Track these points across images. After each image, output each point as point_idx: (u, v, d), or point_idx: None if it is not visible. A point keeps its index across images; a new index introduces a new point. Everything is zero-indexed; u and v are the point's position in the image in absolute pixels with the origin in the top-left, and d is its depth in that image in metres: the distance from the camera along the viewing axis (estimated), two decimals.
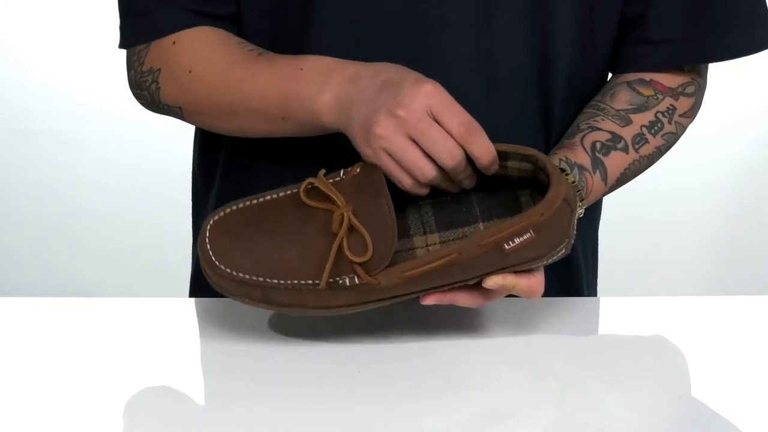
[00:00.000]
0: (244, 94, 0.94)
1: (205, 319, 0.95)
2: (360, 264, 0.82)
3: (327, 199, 0.84)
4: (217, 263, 0.84)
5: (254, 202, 0.86)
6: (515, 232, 0.83)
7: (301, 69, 0.91)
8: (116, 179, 2.56)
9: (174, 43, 0.98)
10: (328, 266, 0.82)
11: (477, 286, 0.85)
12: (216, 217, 0.85)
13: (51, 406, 0.79)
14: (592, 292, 1.12)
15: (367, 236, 0.82)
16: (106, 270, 2.56)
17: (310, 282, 0.83)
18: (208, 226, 0.85)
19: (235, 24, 1.01)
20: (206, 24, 0.98)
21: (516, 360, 0.87)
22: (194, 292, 1.13)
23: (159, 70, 0.99)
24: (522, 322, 0.93)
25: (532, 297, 0.86)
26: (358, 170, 0.85)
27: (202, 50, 0.97)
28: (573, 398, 0.82)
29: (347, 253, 0.82)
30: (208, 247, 0.85)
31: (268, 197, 0.86)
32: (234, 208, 0.86)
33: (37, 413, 0.78)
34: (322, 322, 0.90)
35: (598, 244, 1.14)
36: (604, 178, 0.96)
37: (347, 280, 0.83)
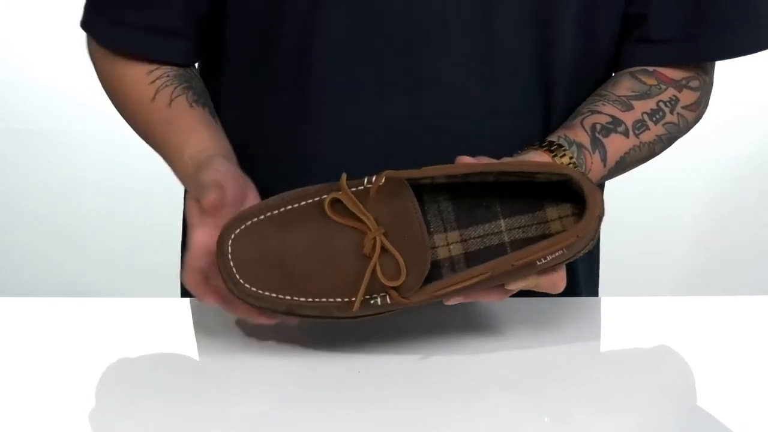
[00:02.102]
0: (143, 136, 1.03)
1: (204, 319, 0.95)
2: (393, 288, 0.81)
3: (353, 214, 0.82)
4: (241, 281, 0.81)
5: (275, 212, 0.83)
6: (549, 252, 0.82)
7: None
8: (116, 179, 2.56)
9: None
10: (362, 291, 0.80)
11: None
12: (237, 231, 0.82)
13: (50, 406, 0.79)
14: (591, 292, 1.12)
15: (401, 260, 0.80)
16: (106, 270, 2.56)
17: (339, 300, 0.81)
18: (230, 240, 0.82)
19: (185, 39, 1.02)
20: (149, 41, 1.00)
21: (516, 360, 0.87)
22: (186, 291, 1.13)
23: (95, 65, 1.06)
24: (522, 322, 0.93)
25: (555, 292, 0.86)
26: (383, 181, 0.82)
27: (118, 69, 1.02)
28: (573, 399, 0.82)
29: (381, 277, 0.80)
30: (231, 263, 0.81)
31: (289, 207, 0.83)
32: (255, 220, 0.82)
33: (36, 413, 0.78)
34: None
35: (600, 245, 1.14)
36: (604, 159, 0.96)
37: (378, 300, 0.81)
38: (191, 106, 0.98)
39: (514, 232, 0.88)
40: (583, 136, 0.95)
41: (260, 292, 0.81)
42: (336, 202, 0.82)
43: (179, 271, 1.16)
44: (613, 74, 1.06)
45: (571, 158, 0.92)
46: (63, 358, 0.87)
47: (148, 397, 0.81)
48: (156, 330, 0.93)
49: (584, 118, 0.97)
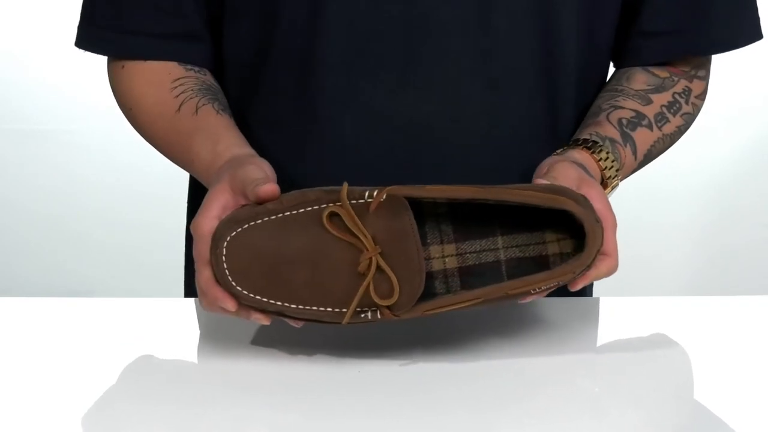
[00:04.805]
0: (163, 147, 1.01)
1: (204, 319, 0.95)
2: (385, 306, 0.80)
3: (350, 227, 0.81)
4: (233, 283, 0.81)
5: (273, 218, 0.82)
6: (546, 284, 0.81)
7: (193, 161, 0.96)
8: (116, 179, 2.56)
9: (123, 67, 1.03)
10: (353, 306, 0.80)
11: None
12: (234, 233, 0.81)
13: (52, 406, 0.79)
14: (588, 292, 1.12)
15: (395, 280, 0.79)
16: (106, 270, 2.56)
17: (330, 310, 0.81)
18: (225, 243, 0.81)
19: (199, 40, 1.01)
20: (158, 46, 1.00)
21: (515, 359, 0.87)
22: (189, 291, 1.13)
23: (113, 89, 1.04)
24: (522, 322, 0.93)
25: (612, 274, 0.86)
26: (384, 197, 0.81)
27: (139, 89, 1.01)
28: (572, 399, 0.82)
29: (373, 295, 0.80)
30: (225, 266, 0.81)
31: (287, 213, 0.82)
32: (252, 223, 0.81)
33: (36, 412, 0.78)
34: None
35: None
36: (634, 152, 0.97)
37: (369, 314, 0.81)
38: (218, 113, 0.97)
39: (510, 251, 0.87)
40: (612, 131, 0.96)
41: (251, 295, 0.81)
42: (334, 214, 0.81)
43: (180, 270, 1.16)
44: (613, 69, 1.06)
45: (608, 154, 0.93)
46: (64, 358, 0.87)
47: (149, 397, 0.81)
48: (158, 330, 0.93)
49: (609, 114, 0.98)
